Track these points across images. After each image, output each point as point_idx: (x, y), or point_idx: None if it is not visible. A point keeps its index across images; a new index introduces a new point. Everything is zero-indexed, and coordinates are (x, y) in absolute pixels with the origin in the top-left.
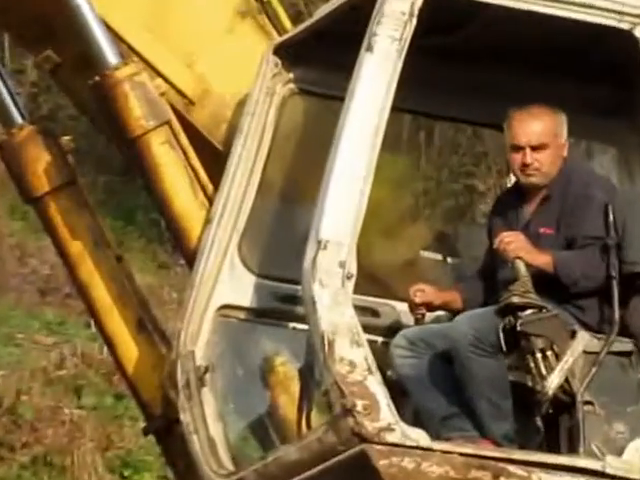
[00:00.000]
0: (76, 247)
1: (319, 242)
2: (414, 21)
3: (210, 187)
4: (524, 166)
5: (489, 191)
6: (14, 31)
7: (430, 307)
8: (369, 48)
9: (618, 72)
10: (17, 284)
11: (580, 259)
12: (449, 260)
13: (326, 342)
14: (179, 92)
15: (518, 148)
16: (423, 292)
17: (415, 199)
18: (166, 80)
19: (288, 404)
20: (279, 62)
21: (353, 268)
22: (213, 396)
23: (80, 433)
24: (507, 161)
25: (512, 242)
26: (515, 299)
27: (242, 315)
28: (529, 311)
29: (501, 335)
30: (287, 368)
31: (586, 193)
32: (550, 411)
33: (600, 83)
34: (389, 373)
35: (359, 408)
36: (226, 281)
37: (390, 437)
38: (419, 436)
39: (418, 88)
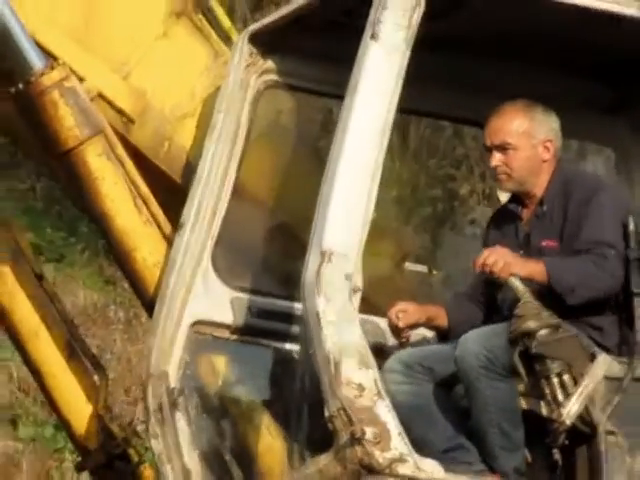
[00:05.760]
0: None
1: (323, 253)
2: (422, 5)
3: (153, 202)
4: (493, 169)
5: (471, 196)
6: None
7: (414, 327)
8: (374, 36)
9: (617, 67)
10: None
11: (574, 264)
12: (434, 272)
13: (332, 363)
14: (117, 110)
15: (487, 149)
16: (405, 313)
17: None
18: (101, 96)
19: (252, 435)
20: (254, 51)
21: (359, 281)
22: (186, 422)
23: (16, 468)
24: None
25: (498, 261)
26: (531, 324)
27: (217, 332)
28: (544, 331)
29: (517, 360)
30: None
31: (594, 199)
32: (566, 442)
33: (598, 79)
34: None
35: (369, 436)
36: (200, 294)
37: (402, 469)
38: (433, 468)
39: None
